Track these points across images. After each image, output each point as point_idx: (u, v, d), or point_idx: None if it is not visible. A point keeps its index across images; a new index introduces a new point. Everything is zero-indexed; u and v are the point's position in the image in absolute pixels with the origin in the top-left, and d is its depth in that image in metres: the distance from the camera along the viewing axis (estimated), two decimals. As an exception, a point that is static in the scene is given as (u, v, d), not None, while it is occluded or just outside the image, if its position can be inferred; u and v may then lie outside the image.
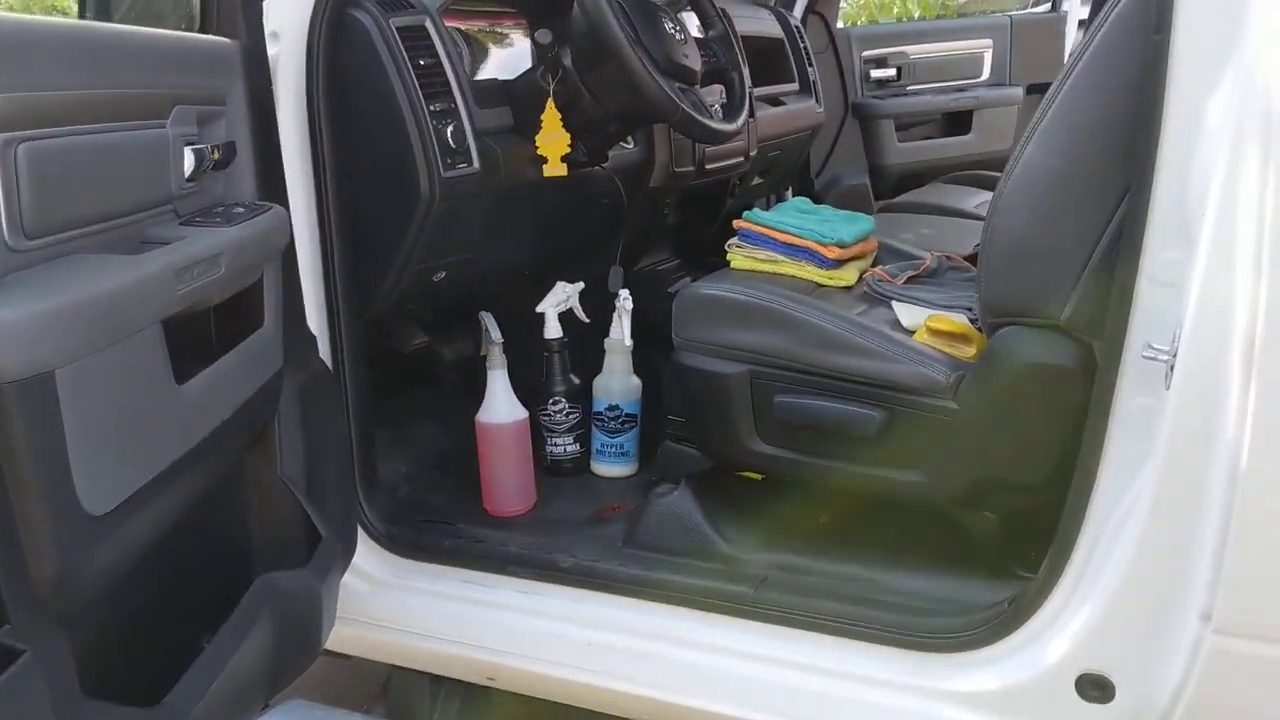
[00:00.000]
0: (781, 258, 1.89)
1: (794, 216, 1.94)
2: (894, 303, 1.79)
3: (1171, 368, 1.22)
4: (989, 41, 3.69)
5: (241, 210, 1.35)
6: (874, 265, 1.97)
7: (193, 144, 1.31)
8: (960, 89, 3.67)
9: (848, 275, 1.88)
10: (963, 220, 2.61)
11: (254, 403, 1.35)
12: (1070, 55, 1.46)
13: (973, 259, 2.04)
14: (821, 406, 1.68)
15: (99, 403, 0.98)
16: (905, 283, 1.88)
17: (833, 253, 1.86)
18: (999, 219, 1.52)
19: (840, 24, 3.75)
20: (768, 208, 2.87)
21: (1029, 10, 4.10)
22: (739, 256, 1.92)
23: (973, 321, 1.70)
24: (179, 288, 1.11)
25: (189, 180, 1.31)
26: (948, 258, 1.99)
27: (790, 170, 3.24)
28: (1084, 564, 1.40)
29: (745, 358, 1.73)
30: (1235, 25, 1.19)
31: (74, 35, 1.09)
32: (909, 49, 3.62)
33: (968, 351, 1.64)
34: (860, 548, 1.72)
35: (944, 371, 1.60)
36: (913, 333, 1.69)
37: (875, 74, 3.58)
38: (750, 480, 1.90)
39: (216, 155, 1.38)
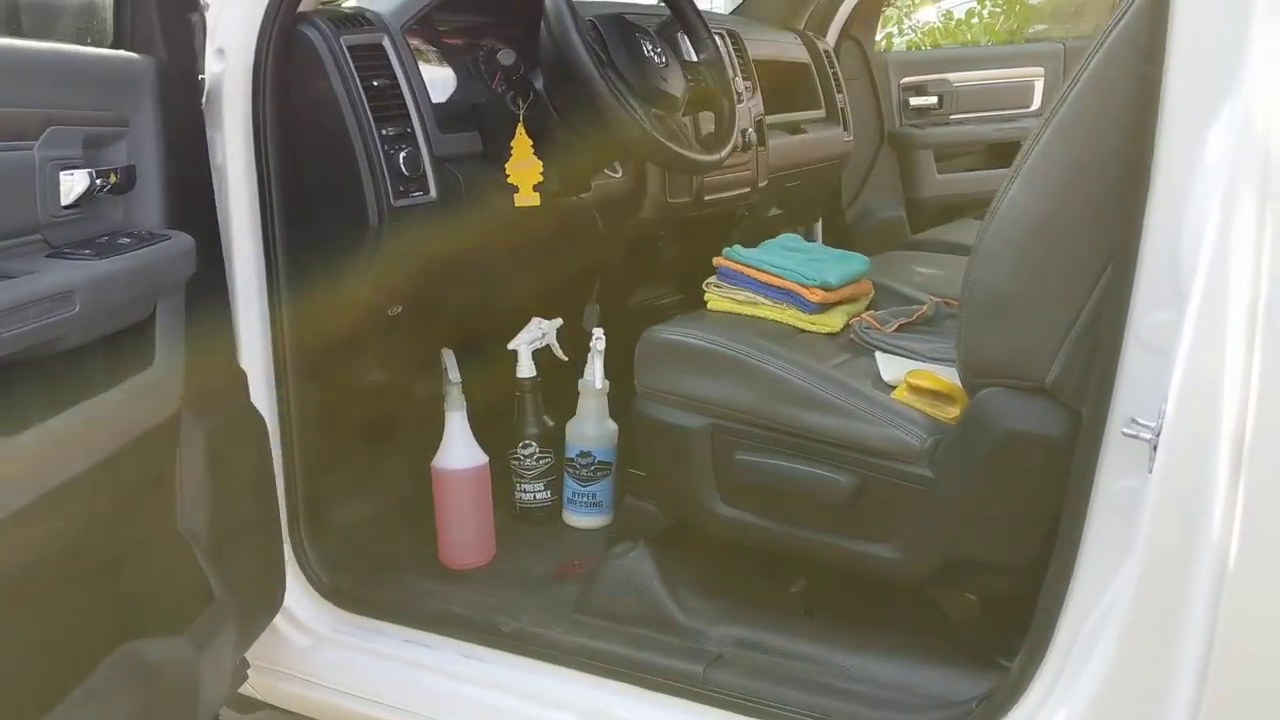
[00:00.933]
0: (762, 300, 1.73)
1: (778, 255, 1.78)
2: (876, 354, 1.62)
3: (1154, 448, 1.05)
4: (1040, 70, 3.48)
5: (128, 240, 1.24)
6: (869, 309, 1.81)
7: (75, 168, 1.20)
8: (1007, 119, 3.47)
9: (833, 321, 1.72)
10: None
11: (135, 450, 1.23)
12: (1061, 88, 1.29)
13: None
14: (786, 468, 1.51)
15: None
16: (896, 331, 1.71)
17: (816, 295, 1.70)
18: (979, 268, 1.35)
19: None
20: (808, 237, 2.73)
21: (1087, 39, 3.88)
22: (716, 297, 1.77)
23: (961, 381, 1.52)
24: (5, 330, 0.99)
25: (69, 207, 1.20)
26: (947, 303, 1.82)
27: (816, 201, 3.08)
28: (1061, 663, 1.24)
29: (707, 410, 1.58)
30: (1235, 52, 1.02)
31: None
32: (952, 76, 3.44)
33: (950, 413, 1.47)
34: (825, 626, 1.56)
35: (920, 435, 1.43)
36: (893, 389, 1.52)
37: (914, 102, 3.40)
38: (718, 543, 1.73)
39: (114, 179, 1.27)
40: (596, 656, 1.56)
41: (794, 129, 2.71)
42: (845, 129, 2.94)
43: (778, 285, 1.72)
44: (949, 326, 1.77)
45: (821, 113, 2.88)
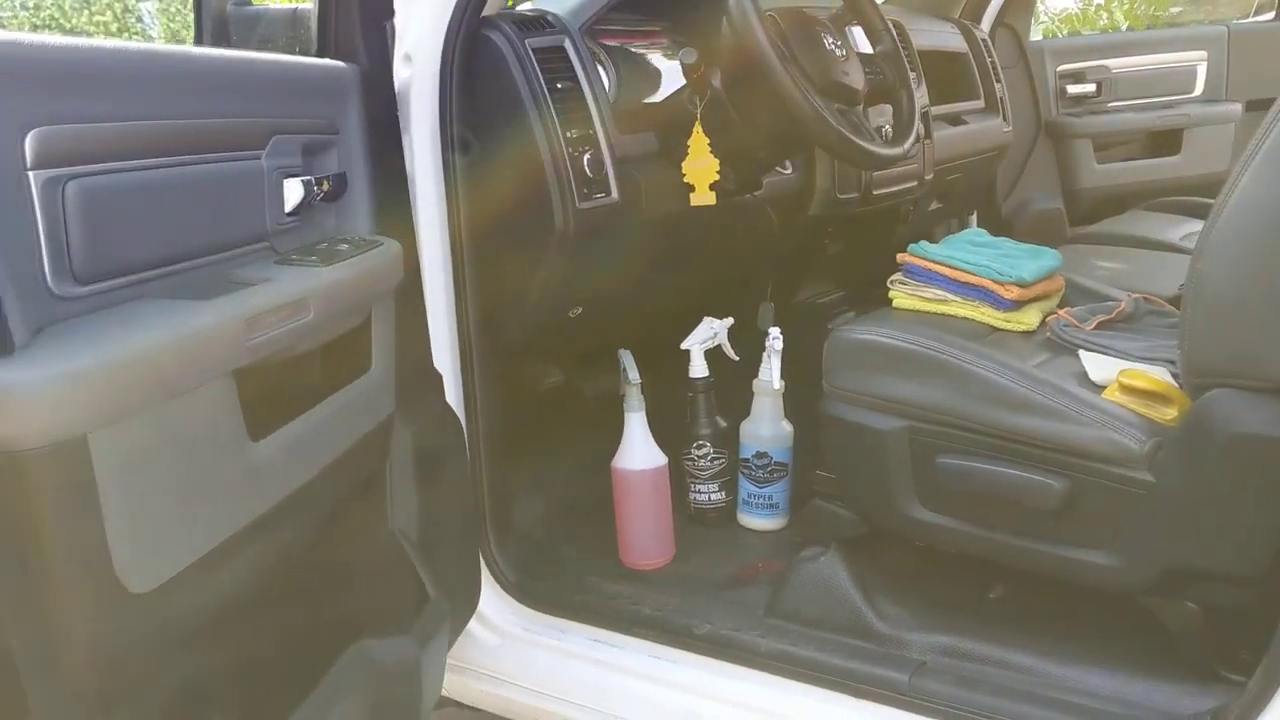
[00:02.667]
0: (952, 297, 1.69)
1: (967, 250, 1.73)
2: (1081, 352, 1.56)
3: None
4: (1203, 54, 3.34)
5: (346, 247, 1.25)
6: (1060, 307, 1.74)
7: (295, 175, 1.22)
8: (1168, 105, 3.33)
9: (1028, 318, 1.66)
10: (1165, 254, 2.32)
11: (357, 454, 1.25)
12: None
13: (1177, 301, 1.79)
14: (993, 472, 1.47)
15: (146, 469, 0.88)
16: (1095, 328, 1.65)
17: (1012, 293, 1.65)
18: (1207, 263, 1.28)
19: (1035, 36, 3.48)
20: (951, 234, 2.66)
21: (1251, 19, 3.71)
22: (902, 295, 1.72)
23: (1176, 377, 1.46)
24: (252, 337, 1.01)
25: (290, 215, 1.22)
26: (1146, 299, 1.74)
27: (973, 194, 3.00)
28: (1309, 677, 1.16)
29: (905, 412, 1.54)
30: None
31: (142, 61, 1.00)
32: (1110, 62, 3.32)
33: (1168, 414, 1.41)
34: (1034, 635, 1.50)
35: (1138, 437, 1.37)
36: (1102, 389, 1.46)
37: (1072, 89, 3.29)
38: (911, 547, 1.69)
39: (326, 187, 1.29)
40: (795, 662, 1.53)
41: (955, 120, 2.64)
42: (1005, 119, 2.85)
43: (970, 282, 1.67)
44: (1150, 324, 1.70)
45: (981, 103, 2.80)
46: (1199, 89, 3.36)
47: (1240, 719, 1.22)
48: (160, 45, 1.24)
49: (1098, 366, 1.51)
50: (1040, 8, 6.82)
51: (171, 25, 8.86)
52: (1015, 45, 3.22)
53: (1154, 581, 1.40)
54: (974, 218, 3.15)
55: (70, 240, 0.88)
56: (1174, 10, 6.43)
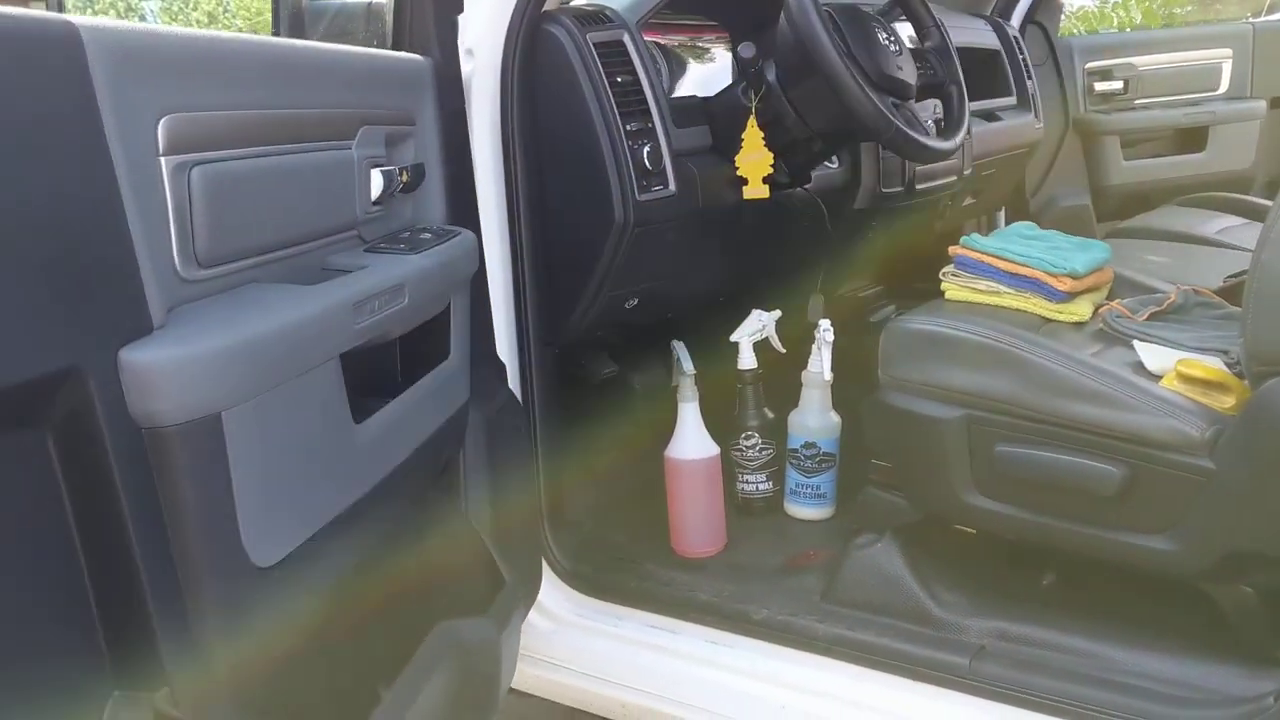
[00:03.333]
0: (1004, 289, 1.71)
1: (1019, 243, 1.76)
2: (1135, 343, 1.58)
3: None
4: (1228, 51, 3.36)
5: (429, 235, 1.28)
6: (1109, 299, 1.77)
7: (380, 166, 1.25)
8: (1194, 103, 3.36)
9: (1081, 310, 1.69)
10: (1204, 248, 2.35)
11: (437, 440, 1.28)
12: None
13: (1224, 293, 1.82)
14: (1052, 459, 1.49)
15: (269, 446, 0.91)
16: (1147, 319, 1.67)
17: (1065, 284, 1.67)
18: (1271, 253, 1.31)
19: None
20: (983, 231, 2.69)
21: (1265, 18, 3.74)
22: (955, 286, 1.75)
23: (1230, 367, 1.48)
24: (358, 321, 1.04)
25: (375, 204, 1.25)
26: (1195, 291, 1.77)
27: (1005, 190, 3.03)
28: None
29: (962, 400, 1.56)
30: None
31: (256, 53, 1.03)
32: (1137, 60, 3.34)
33: (1226, 402, 1.43)
34: (1091, 620, 1.52)
35: (1198, 425, 1.40)
36: (1159, 378, 1.49)
37: (1100, 87, 3.31)
38: (963, 534, 1.72)
39: (405, 178, 1.32)
40: (854, 646, 1.56)
41: (989, 116, 2.67)
42: (1036, 116, 2.89)
43: (1023, 274, 1.70)
44: (1199, 315, 1.73)
45: (1013, 100, 2.83)
46: (1224, 86, 3.38)
47: (1302, 700, 1.25)
48: (267, 37, 1.26)
49: (1153, 356, 1.54)
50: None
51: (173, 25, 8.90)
52: (1044, 42, 3.25)
53: (1213, 566, 1.42)
54: (1002, 214, 3.18)
55: (195, 224, 0.90)
56: (1185, 9, 6.46)
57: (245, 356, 0.88)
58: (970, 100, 2.53)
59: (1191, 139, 3.35)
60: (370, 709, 1.11)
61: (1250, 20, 3.53)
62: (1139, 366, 1.53)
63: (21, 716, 0.75)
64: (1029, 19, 3.19)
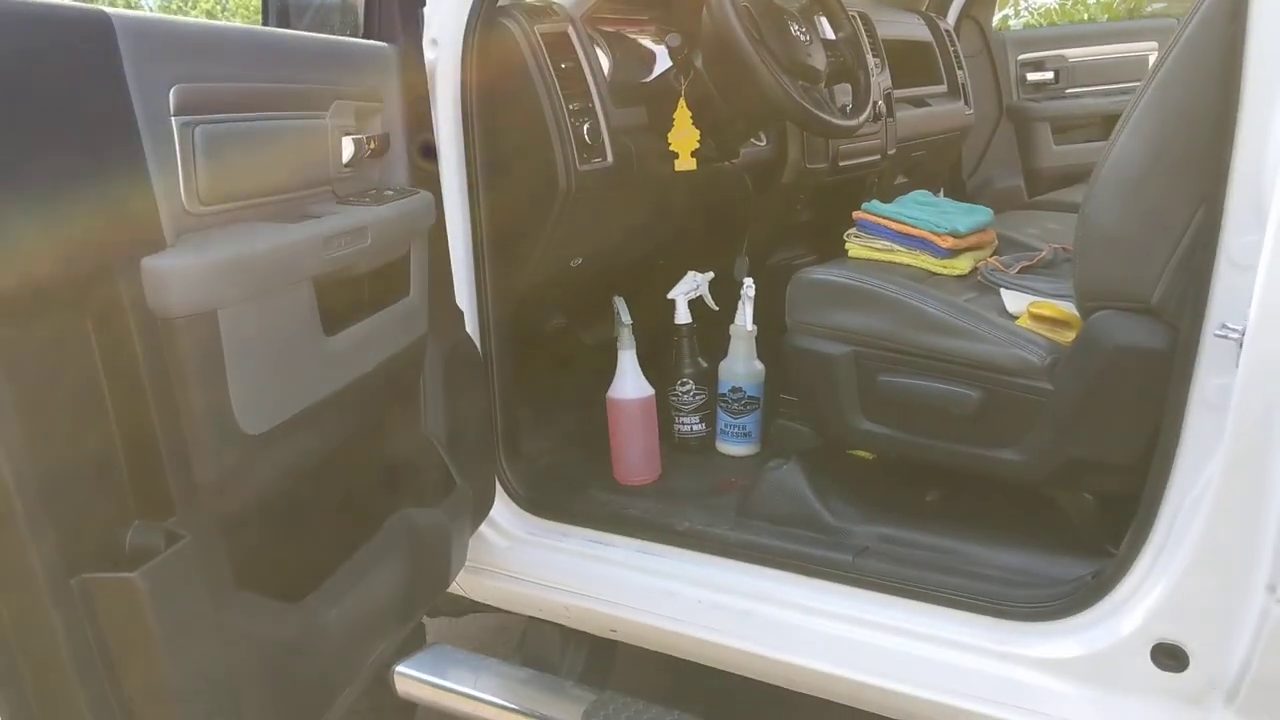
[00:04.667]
0: (898, 247, 1.98)
1: (911, 208, 2.02)
2: (1003, 290, 1.85)
3: (1241, 346, 1.27)
4: (1154, 44, 3.63)
5: (391, 193, 1.54)
6: (992, 256, 2.04)
7: (350, 134, 1.51)
8: (1122, 91, 3.62)
9: (961, 265, 1.96)
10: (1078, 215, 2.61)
11: (398, 361, 1.54)
12: (1164, 48, 1.51)
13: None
14: (922, 386, 1.76)
15: (255, 342, 1.18)
16: (1019, 272, 1.94)
17: (947, 242, 1.94)
18: (1092, 207, 1.58)
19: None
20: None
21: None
22: (856, 246, 2.01)
23: (1077, 308, 1.75)
24: (327, 253, 1.30)
25: (346, 166, 1.51)
26: (1064, 249, 2.04)
27: (939, 171, 3.29)
28: (1162, 540, 1.45)
29: (851, 339, 1.83)
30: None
31: (248, 38, 1.30)
32: (1068, 52, 3.61)
33: (1068, 336, 1.70)
34: (957, 523, 1.79)
35: (1040, 354, 1.67)
36: (1016, 318, 1.76)
37: (1032, 77, 3.59)
38: (858, 459, 1.99)
39: (373, 145, 1.58)
40: (758, 550, 1.81)
41: (919, 103, 2.93)
42: (966, 103, 3.15)
43: (912, 234, 1.96)
44: (1065, 269, 1.99)
45: (944, 88, 3.09)
46: (1150, 77, 3.64)
47: (1111, 578, 1.51)
48: (258, 27, 1.53)
49: (1014, 300, 1.81)
50: (1022, 3, 7.09)
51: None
52: (979, 35, 3.51)
53: (1053, 473, 1.69)
54: (940, 193, 3.43)
55: (198, 171, 1.17)
56: (1155, 6, 6.71)
57: (236, 269, 1.15)
58: (900, 88, 2.81)
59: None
60: (337, 567, 1.38)
61: (1176, 18, 3.78)
62: (1002, 309, 1.79)
63: (69, 535, 1.02)
64: (964, 14, 3.45)
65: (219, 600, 1.13)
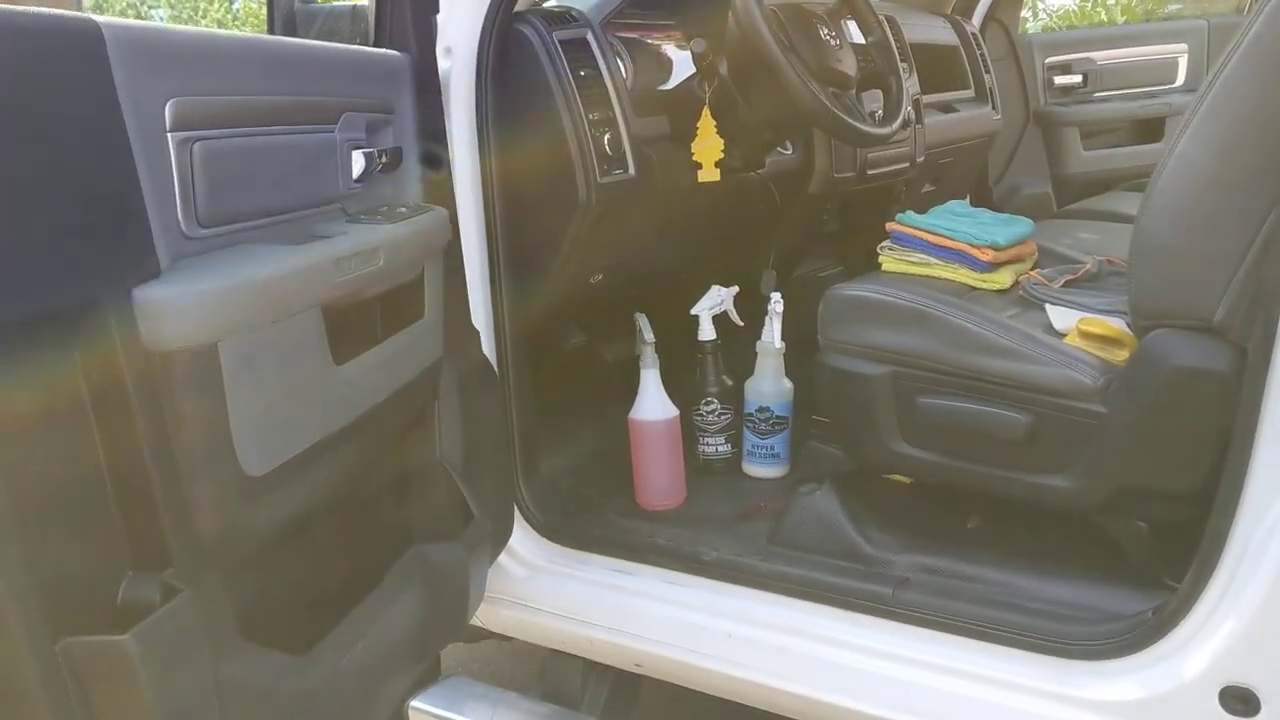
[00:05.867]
0: (934, 260, 1.88)
1: (947, 219, 1.93)
2: (1047, 305, 1.76)
3: (1319, 368, 1.18)
4: (1184, 46, 3.54)
5: (404, 210, 1.46)
6: (1033, 269, 1.94)
7: (361, 148, 1.43)
8: (1151, 95, 3.53)
9: (1002, 279, 1.86)
10: (1131, 226, 2.51)
11: (412, 387, 1.45)
12: (1227, 49, 1.42)
13: (1136, 263, 1.99)
14: (965, 409, 1.67)
15: (259, 375, 1.09)
16: (1062, 286, 1.84)
17: (986, 255, 1.85)
18: (1149, 219, 1.48)
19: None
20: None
21: (1229, 15, 3.90)
22: (890, 259, 1.92)
23: (1130, 326, 1.65)
24: (337, 277, 1.22)
25: (357, 181, 1.43)
26: (1109, 261, 1.94)
27: (966, 178, 3.20)
28: (1230, 575, 1.36)
29: (889, 358, 1.74)
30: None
31: (250, 48, 1.21)
32: (1096, 55, 3.52)
33: (1120, 355, 1.60)
34: (1004, 553, 1.69)
35: (1092, 375, 1.57)
36: (1064, 336, 1.66)
37: (1059, 80, 3.49)
38: (895, 483, 1.90)
39: (384, 160, 1.49)
40: (792, 581, 1.72)
41: (946, 108, 2.84)
42: (994, 108, 3.06)
43: (949, 246, 1.87)
44: (1112, 283, 1.90)
45: (971, 92, 3.00)
46: (1180, 79, 3.55)
47: (1174, 615, 1.42)
48: (262, 35, 1.44)
49: (1061, 317, 1.71)
50: (1040, 5, 7.00)
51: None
52: (1005, 39, 3.42)
53: (1106, 501, 1.59)
54: (967, 201, 3.34)
55: (196, 191, 1.08)
56: (1173, 7, 6.61)
57: (237, 297, 1.06)
58: (928, 93, 2.72)
59: (1148, 129, 3.52)
60: (347, 613, 1.29)
61: (1205, 18, 3.69)
62: (1048, 326, 1.70)
63: (54, 588, 0.93)
64: (990, 17, 3.36)
65: (221, 655, 1.04)
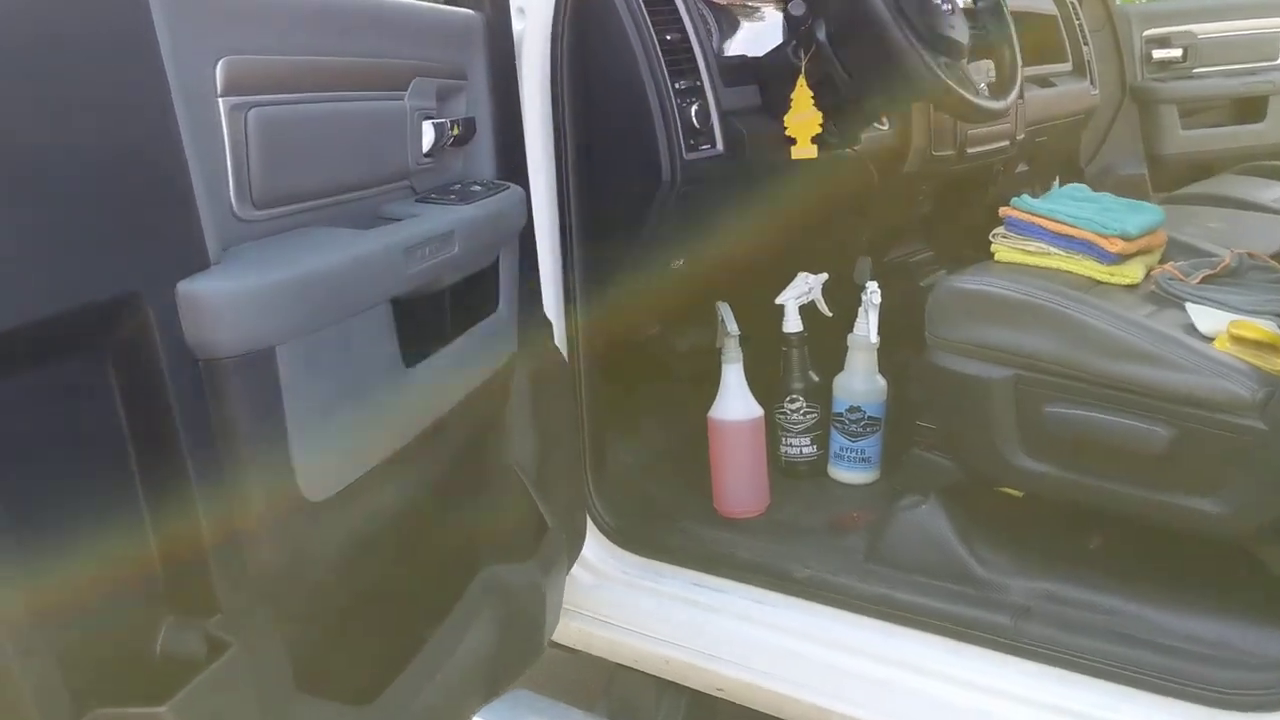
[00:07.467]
0: (1054, 250, 1.69)
1: (1070, 204, 1.74)
2: (1188, 305, 1.57)
3: None
4: (1292, 18, 3.30)
5: (479, 189, 1.29)
6: (1162, 262, 1.75)
7: (431, 118, 1.26)
8: (1253, 72, 3.30)
9: (1132, 272, 1.67)
10: (1260, 214, 2.31)
11: (486, 389, 1.29)
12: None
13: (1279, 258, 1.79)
14: (1101, 420, 1.48)
15: (322, 384, 0.93)
16: (1200, 282, 1.65)
17: (1115, 246, 1.65)
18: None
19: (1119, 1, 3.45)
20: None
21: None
22: (1004, 248, 1.73)
23: (1289, 329, 1.46)
24: (410, 267, 1.05)
25: (426, 156, 1.26)
26: (1250, 255, 1.74)
27: (1058, 158, 2.99)
28: None
29: (1011, 361, 1.55)
30: None
31: (311, 1, 1.04)
32: (1196, 28, 3.28)
33: (1278, 364, 1.42)
34: (1137, 582, 1.51)
35: (1250, 386, 1.38)
36: (1211, 340, 1.47)
37: (1158, 55, 3.26)
38: (1006, 496, 1.71)
39: (456, 131, 1.33)
40: (897, 606, 1.56)
41: (1043, 82, 2.64)
42: (1092, 83, 2.85)
43: (1073, 235, 1.68)
44: (1254, 279, 1.70)
45: (1069, 66, 2.79)
46: (1285, 55, 3.33)
47: (1353, 664, 1.24)
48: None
49: (1206, 318, 1.52)
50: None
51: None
52: (1102, 8, 3.20)
53: (1263, 529, 1.41)
54: (1056, 183, 3.13)
55: (251, 166, 0.92)
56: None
57: (299, 293, 0.90)
58: (1025, 65, 2.51)
59: (1250, 108, 3.29)
60: (415, 651, 1.13)
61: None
62: (1191, 328, 1.51)
63: (78, 643, 0.77)
64: (1087, -16, 3.14)
65: (273, 713, 0.88)
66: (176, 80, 0.84)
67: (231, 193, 0.91)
